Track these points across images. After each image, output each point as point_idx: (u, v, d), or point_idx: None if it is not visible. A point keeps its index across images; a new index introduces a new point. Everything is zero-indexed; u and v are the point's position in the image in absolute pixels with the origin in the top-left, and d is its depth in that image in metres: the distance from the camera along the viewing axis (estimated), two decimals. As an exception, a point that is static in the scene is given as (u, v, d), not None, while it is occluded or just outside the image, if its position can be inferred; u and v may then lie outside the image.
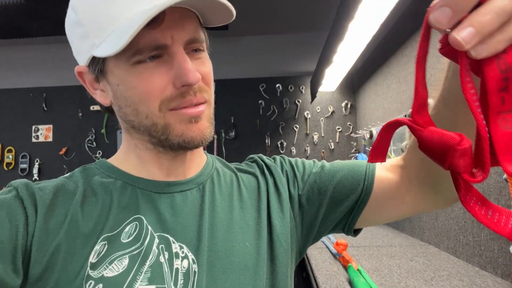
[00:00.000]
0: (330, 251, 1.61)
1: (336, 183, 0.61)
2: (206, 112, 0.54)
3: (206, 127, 0.53)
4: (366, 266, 1.39)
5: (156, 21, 0.47)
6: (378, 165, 0.62)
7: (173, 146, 0.53)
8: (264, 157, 0.69)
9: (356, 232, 0.65)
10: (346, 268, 1.37)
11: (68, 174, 0.58)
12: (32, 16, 2.54)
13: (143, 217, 0.53)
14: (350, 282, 1.22)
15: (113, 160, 0.60)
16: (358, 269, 1.29)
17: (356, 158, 2.60)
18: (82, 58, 0.54)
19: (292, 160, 0.68)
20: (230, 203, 0.59)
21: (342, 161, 0.65)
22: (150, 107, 0.50)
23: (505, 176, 1.06)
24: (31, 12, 2.47)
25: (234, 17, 0.53)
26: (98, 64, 0.52)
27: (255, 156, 0.70)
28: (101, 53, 0.48)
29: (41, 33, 2.85)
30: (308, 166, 0.65)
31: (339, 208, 0.61)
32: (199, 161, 0.62)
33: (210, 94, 0.55)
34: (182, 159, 0.58)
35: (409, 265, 1.39)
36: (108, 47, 0.47)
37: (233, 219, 0.57)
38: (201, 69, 0.52)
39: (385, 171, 0.61)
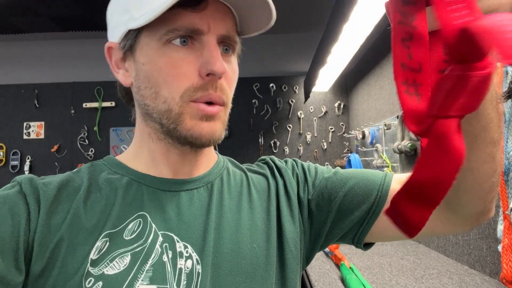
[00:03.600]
0: (323, 250, 1.63)
1: (348, 190, 0.58)
2: (221, 115, 0.53)
3: (218, 128, 0.52)
4: (358, 264, 1.41)
5: (199, 6, 0.47)
6: (395, 179, 0.57)
7: (180, 139, 0.51)
8: (276, 159, 0.66)
9: (366, 246, 0.61)
10: (338, 266, 1.39)
11: (76, 169, 0.57)
12: (25, 12, 2.51)
13: (147, 214, 0.51)
14: (343, 280, 1.23)
15: (121, 157, 0.59)
16: (350, 267, 1.31)
17: (348, 158, 2.62)
18: (117, 32, 0.53)
19: (305, 164, 0.65)
20: (239, 203, 0.57)
21: (358, 169, 0.62)
22: (172, 92, 0.49)
23: (494, 176, 1.09)
24: (24, 8, 2.45)
25: (273, 22, 0.52)
26: (130, 39, 0.52)
27: (266, 157, 0.68)
28: (137, 23, 0.48)
29: (33, 29, 2.82)
30: (320, 171, 0.63)
31: (348, 217, 0.58)
32: (208, 160, 0.61)
33: (228, 97, 0.54)
34: (191, 157, 0.56)
35: (400, 264, 1.42)
36: (144, 18, 0.47)
37: (241, 219, 0.56)
38: (226, 73, 0.51)
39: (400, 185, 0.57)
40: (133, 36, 0.51)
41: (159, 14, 0.45)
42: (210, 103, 0.51)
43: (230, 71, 0.53)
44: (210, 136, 0.51)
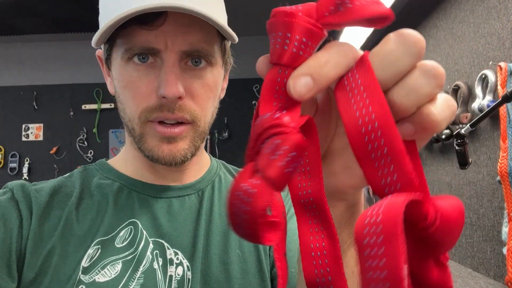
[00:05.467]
0: None
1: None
2: (189, 134, 0.50)
3: (181, 149, 0.49)
4: (359, 267, 1.39)
5: (154, 23, 0.45)
6: None
7: (146, 156, 0.51)
8: None
9: None
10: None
11: (68, 174, 0.57)
12: (24, 13, 2.50)
13: (138, 222, 0.51)
14: (344, 283, 1.22)
15: (113, 161, 0.59)
16: (352, 270, 1.29)
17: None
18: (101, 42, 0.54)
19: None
20: None
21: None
22: (132, 112, 0.49)
23: (498, 178, 1.07)
24: (23, 9, 2.44)
25: (235, 41, 0.51)
26: (105, 53, 0.52)
27: None
28: (94, 41, 0.48)
29: (33, 30, 2.81)
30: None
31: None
32: (198, 166, 0.60)
33: (197, 115, 0.50)
34: (176, 167, 0.55)
35: (403, 266, 1.40)
36: (96, 36, 0.47)
37: None
38: (191, 85, 0.48)
39: None
40: (106, 49, 0.52)
41: (95, 41, 0.46)
42: (178, 122, 0.49)
43: (199, 86, 0.50)
44: (171, 159, 0.49)
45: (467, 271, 1.32)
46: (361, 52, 0.21)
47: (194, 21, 0.46)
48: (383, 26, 0.21)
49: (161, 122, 0.49)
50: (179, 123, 0.49)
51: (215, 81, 0.52)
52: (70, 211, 0.50)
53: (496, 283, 1.17)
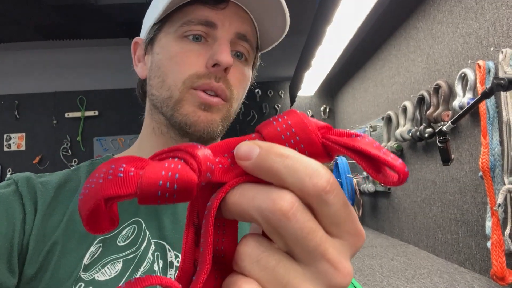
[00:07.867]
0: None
1: None
2: (222, 108, 0.53)
3: (214, 120, 0.52)
4: (348, 267, 1.40)
5: (218, 5, 0.50)
6: None
7: (176, 126, 0.52)
8: None
9: None
10: (329, 269, 1.37)
11: (75, 167, 0.57)
12: (4, 21, 2.46)
13: (142, 221, 0.51)
14: (334, 283, 1.22)
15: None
16: (341, 270, 1.30)
17: (335, 161, 2.62)
18: (145, 28, 0.58)
19: None
20: None
21: None
22: (176, 78, 0.51)
23: (480, 173, 1.09)
24: (3, 17, 2.40)
25: (287, 26, 0.56)
26: (151, 33, 0.55)
27: None
28: (156, 13, 0.52)
29: (13, 38, 2.76)
30: None
31: None
32: None
33: (233, 94, 0.54)
34: (206, 136, 0.56)
35: (391, 264, 1.41)
36: (161, 7, 0.51)
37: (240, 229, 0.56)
38: (235, 68, 0.53)
39: None
40: (154, 30, 0.55)
41: (163, 8, 0.49)
42: (212, 94, 0.52)
43: (239, 73, 0.54)
44: (205, 126, 0.51)
45: (453, 266, 1.34)
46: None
47: (248, 17, 0.54)
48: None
49: (203, 92, 0.52)
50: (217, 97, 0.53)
51: (248, 77, 0.57)
52: (74, 207, 0.49)
53: (482, 277, 1.19)
